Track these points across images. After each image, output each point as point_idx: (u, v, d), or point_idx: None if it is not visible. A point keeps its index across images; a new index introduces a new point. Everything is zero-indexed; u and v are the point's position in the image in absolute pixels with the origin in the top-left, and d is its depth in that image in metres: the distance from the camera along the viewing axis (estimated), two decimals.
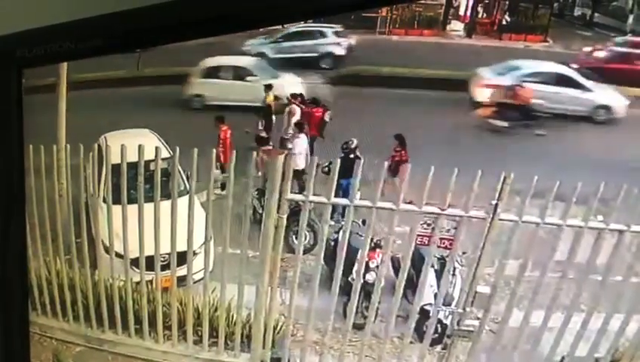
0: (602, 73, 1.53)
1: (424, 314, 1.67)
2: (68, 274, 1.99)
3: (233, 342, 1.84)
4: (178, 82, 1.94)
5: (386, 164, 1.60)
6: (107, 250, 1.92)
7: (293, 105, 1.86)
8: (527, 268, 1.57)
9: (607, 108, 1.59)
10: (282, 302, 1.78)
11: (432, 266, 1.65)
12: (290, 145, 1.84)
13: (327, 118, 1.84)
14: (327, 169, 1.70)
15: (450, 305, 1.65)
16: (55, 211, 1.99)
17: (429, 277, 1.65)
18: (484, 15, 1.67)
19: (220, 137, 1.88)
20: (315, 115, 1.85)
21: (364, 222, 1.70)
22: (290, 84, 1.85)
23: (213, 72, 1.95)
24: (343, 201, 1.68)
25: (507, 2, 1.65)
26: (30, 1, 2.07)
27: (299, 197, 1.72)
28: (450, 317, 1.65)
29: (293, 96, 1.85)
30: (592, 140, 1.60)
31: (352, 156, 1.70)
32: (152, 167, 1.85)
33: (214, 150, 1.77)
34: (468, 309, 1.62)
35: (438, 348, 1.68)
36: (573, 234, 1.53)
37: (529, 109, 1.59)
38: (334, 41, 1.81)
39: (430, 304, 1.66)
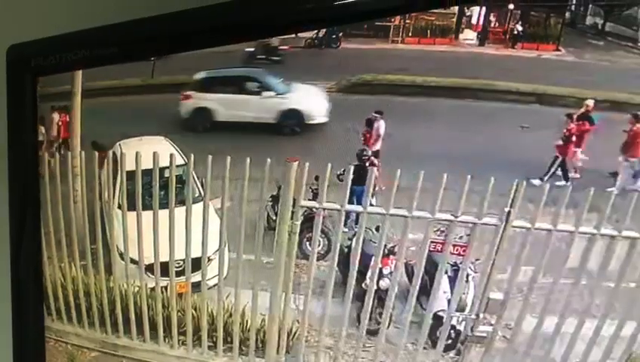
0: None
1: (438, 320, 1.68)
2: (83, 279, 2.01)
3: (247, 348, 1.86)
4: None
5: None
6: (122, 256, 1.94)
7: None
8: (540, 275, 1.59)
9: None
10: (296, 308, 1.80)
11: (446, 273, 1.67)
12: None
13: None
14: (342, 177, 1.72)
15: (463, 311, 1.66)
16: (70, 217, 2.01)
17: (442, 283, 1.67)
18: (497, 24, 1.68)
19: None
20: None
21: (377, 228, 1.71)
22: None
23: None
24: (356, 208, 1.70)
25: (519, 12, 1.66)
26: (45, 10, 2.09)
27: (312, 203, 1.74)
28: (463, 323, 1.66)
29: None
30: None
31: (367, 164, 1.72)
32: (166, 174, 1.87)
33: (228, 157, 1.78)
34: (481, 315, 1.64)
35: (452, 353, 1.69)
36: (586, 241, 1.54)
37: None
38: None
39: (443, 310, 1.68)
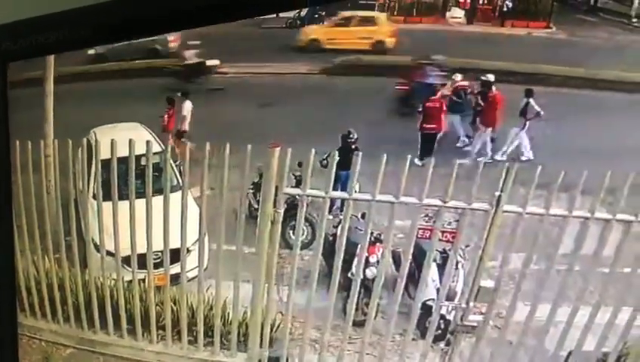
0: None
1: (426, 309, 1.62)
2: (57, 273, 1.93)
3: (229, 342, 1.79)
4: (169, 75, 1.89)
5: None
6: (97, 248, 1.87)
7: None
8: (532, 261, 1.53)
9: None
10: (280, 300, 1.73)
11: (434, 260, 1.60)
12: None
13: None
14: (325, 162, 1.65)
15: (453, 300, 1.60)
16: (43, 209, 1.93)
17: (431, 271, 1.60)
18: (485, 1, 1.62)
19: None
20: None
21: (363, 215, 1.65)
22: None
23: None
24: (341, 195, 1.63)
25: None
26: None
27: (295, 191, 1.67)
28: (453, 312, 1.60)
29: None
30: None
31: (352, 147, 1.66)
32: (143, 161, 1.80)
33: (208, 143, 1.72)
34: (471, 304, 1.58)
35: (442, 344, 1.63)
36: (579, 225, 1.49)
37: None
38: None
39: (432, 299, 1.62)
